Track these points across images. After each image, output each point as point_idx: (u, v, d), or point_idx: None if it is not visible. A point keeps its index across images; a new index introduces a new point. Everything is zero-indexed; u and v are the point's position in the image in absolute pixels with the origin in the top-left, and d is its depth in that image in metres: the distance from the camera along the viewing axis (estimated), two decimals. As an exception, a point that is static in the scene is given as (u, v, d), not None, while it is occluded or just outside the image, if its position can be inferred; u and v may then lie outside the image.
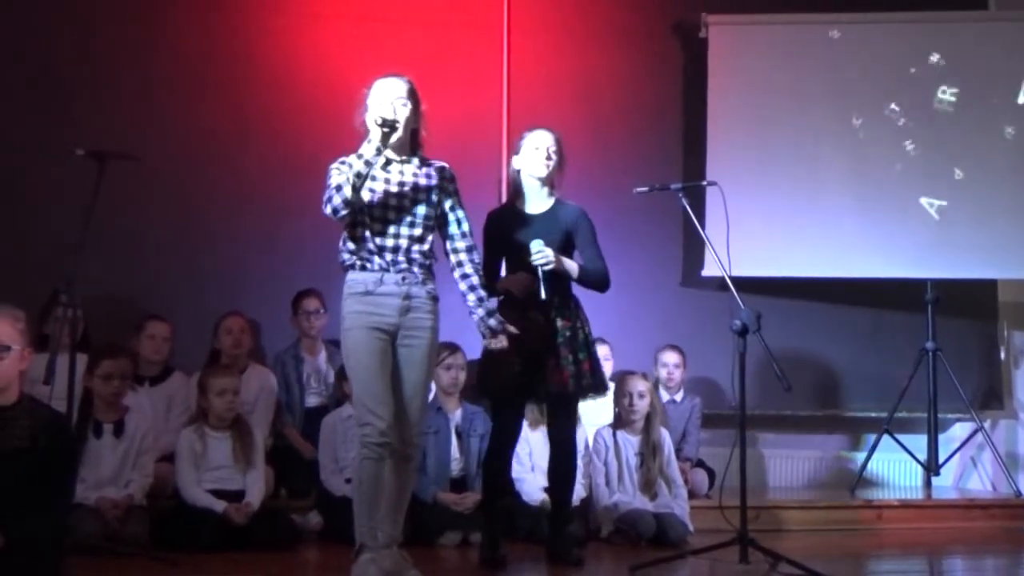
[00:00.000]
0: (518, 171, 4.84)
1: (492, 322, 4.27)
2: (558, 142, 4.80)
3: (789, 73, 6.79)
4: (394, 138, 4.16)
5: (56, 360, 4.44)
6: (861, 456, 6.74)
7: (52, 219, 5.99)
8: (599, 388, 4.80)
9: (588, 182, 6.17)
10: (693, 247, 6.73)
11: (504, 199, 5.13)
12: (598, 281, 4.79)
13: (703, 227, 5.30)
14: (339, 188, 4.08)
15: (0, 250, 6.08)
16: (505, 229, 4.70)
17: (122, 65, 6.42)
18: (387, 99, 4.20)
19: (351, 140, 4.26)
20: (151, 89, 6.43)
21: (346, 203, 4.07)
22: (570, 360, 4.66)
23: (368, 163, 4.09)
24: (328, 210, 4.12)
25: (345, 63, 6.40)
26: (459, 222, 4.35)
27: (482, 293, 4.31)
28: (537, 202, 4.81)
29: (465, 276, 4.32)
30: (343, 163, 4.17)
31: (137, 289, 6.24)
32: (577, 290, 4.81)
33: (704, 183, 5.67)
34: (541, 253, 4.55)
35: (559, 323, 4.68)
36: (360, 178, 4.07)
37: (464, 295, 4.32)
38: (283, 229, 6.39)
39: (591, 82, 6.88)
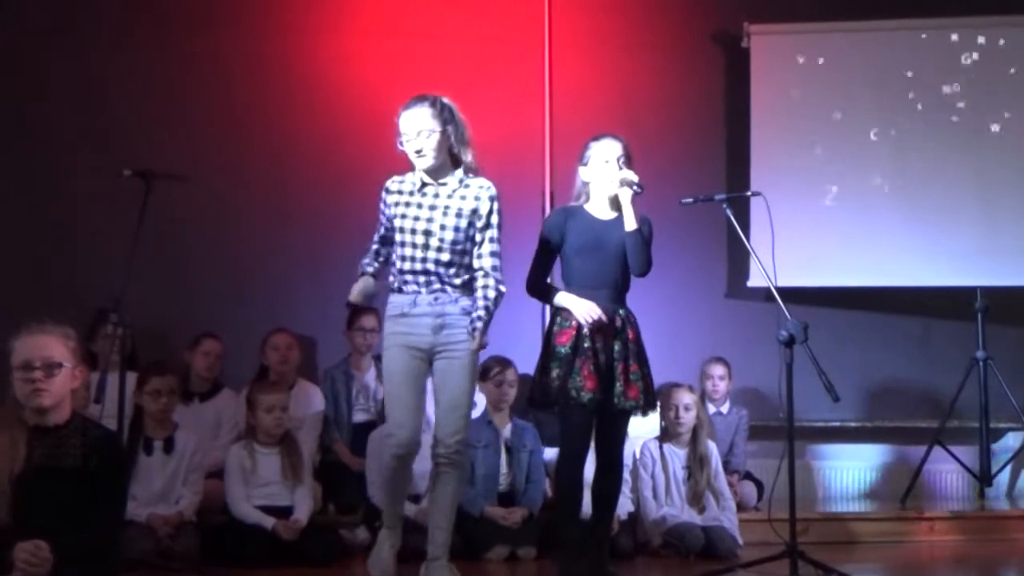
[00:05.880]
0: (586, 183, 4.61)
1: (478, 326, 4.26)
2: (626, 148, 4.59)
3: (831, 80, 6.73)
4: (428, 164, 4.26)
5: (106, 379, 4.49)
6: (911, 467, 6.65)
7: (99, 238, 6.08)
8: (655, 405, 4.69)
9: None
10: (738, 258, 6.69)
11: (547, 212, 5.10)
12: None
13: (748, 237, 5.28)
14: (362, 270, 4.39)
15: (48, 270, 6.16)
16: (575, 231, 4.48)
17: (168, 87, 6.50)
18: (410, 133, 4.24)
19: (392, 157, 4.30)
20: (195, 110, 6.50)
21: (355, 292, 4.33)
22: (638, 375, 4.52)
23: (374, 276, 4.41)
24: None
25: (386, 80, 6.42)
26: (490, 241, 4.32)
27: (481, 314, 4.27)
28: (608, 209, 4.60)
29: (476, 299, 4.32)
30: (389, 192, 4.35)
31: (184, 306, 6.30)
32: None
33: (748, 194, 5.64)
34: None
35: (628, 336, 4.51)
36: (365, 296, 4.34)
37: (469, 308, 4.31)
38: (328, 245, 6.41)
39: (633, 93, 6.85)
